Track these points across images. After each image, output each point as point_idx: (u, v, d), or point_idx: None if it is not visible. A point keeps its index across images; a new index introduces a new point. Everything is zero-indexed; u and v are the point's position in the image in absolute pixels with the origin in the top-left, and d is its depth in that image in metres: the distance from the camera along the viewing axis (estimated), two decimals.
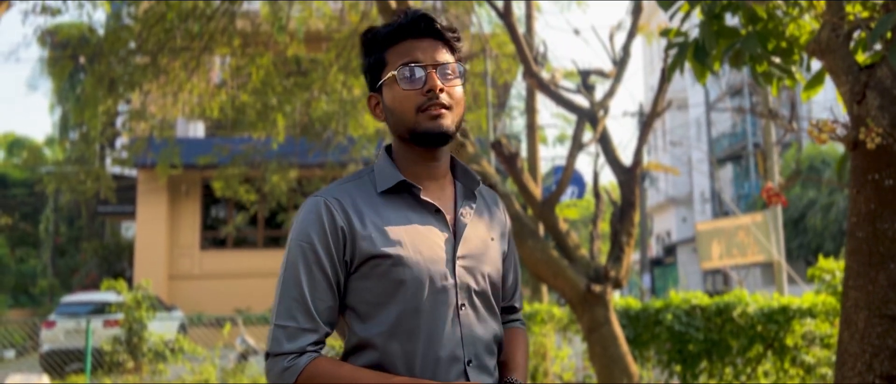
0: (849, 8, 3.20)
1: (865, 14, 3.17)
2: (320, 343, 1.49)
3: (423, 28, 1.55)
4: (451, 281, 1.51)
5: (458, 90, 1.57)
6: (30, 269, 21.69)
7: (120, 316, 10.82)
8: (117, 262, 19.93)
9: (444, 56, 1.56)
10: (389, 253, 1.48)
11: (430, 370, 1.47)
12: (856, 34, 3.09)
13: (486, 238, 1.62)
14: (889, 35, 2.80)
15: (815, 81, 3.49)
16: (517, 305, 1.77)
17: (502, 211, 1.73)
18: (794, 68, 3.53)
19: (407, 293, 1.48)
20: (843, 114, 3.29)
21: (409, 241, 1.51)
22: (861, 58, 3.10)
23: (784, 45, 3.21)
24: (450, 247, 1.54)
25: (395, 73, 1.53)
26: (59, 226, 21.98)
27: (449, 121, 1.53)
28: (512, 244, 1.75)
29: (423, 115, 1.52)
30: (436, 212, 1.57)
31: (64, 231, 22.05)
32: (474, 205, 1.63)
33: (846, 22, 2.89)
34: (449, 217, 1.58)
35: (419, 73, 1.52)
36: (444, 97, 1.52)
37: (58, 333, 11.82)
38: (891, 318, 2.65)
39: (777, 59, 3.24)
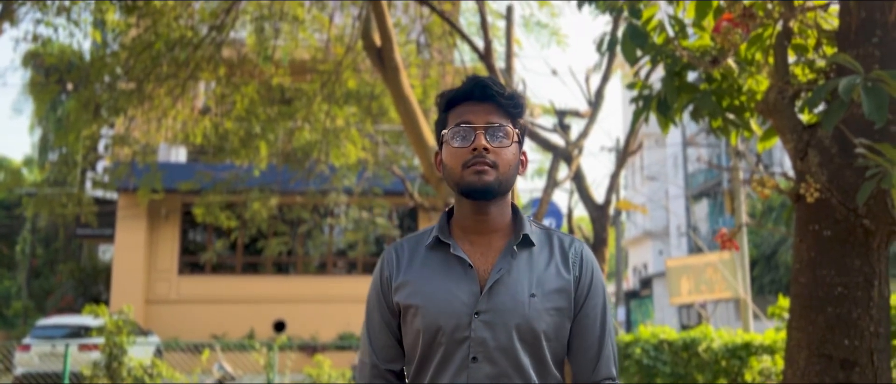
0: (797, 70, 3.49)
1: (812, 76, 3.46)
2: (381, 375, 1.72)
3: (481, 93, 1.66)
4: (465, 334, 1.59)
5: (508, 151, 1.64)
6: (4, 291, 21.46)
7: (97, 340, 10.82)
8: (93, 285, 19.78)
9: (497, 119, 1.65)
10: (411, 303, 1.65)
11: None
12: (802, 94, 3.37)
13: (521, 294, 1.61)
14: (829, 96, 3.08)
15: (770, 133, 3.77)
16: (596, 376, 1.68)
17: (580, 270, 1.68)
18: (752, 120, 3.82)
19: (422, 342, 1.63)
20: None
21: (430, 294, 1.63)
22: (807, 116, 3.38)
23: (737, 103, 3.47)
24: (473, 301, 1.61)
25: (449, 131, 1.67)
26: (36, 247, 21.82)
27: (492, 177, 1.61)
28: (592, 307, 1.68)
29: (468, 170, 1.62)
30: (468, 267, 1.64)
31: (40, 253, 21.88)
32: (513, 261, 1.65)
33: (791, 85, 3.17)
34: (484, 271, 1.64)
35: (469, 132, 1.64)
36: (489, 156, 1.62)
37: (32, 357, 11.76)
38: (828, 358, 2.89)
39: (731, 116, 3.51)
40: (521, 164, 1.72)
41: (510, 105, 1.67)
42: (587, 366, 1.67)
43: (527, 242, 1.67)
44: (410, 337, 1.66)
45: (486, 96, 1.66)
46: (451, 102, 1.69)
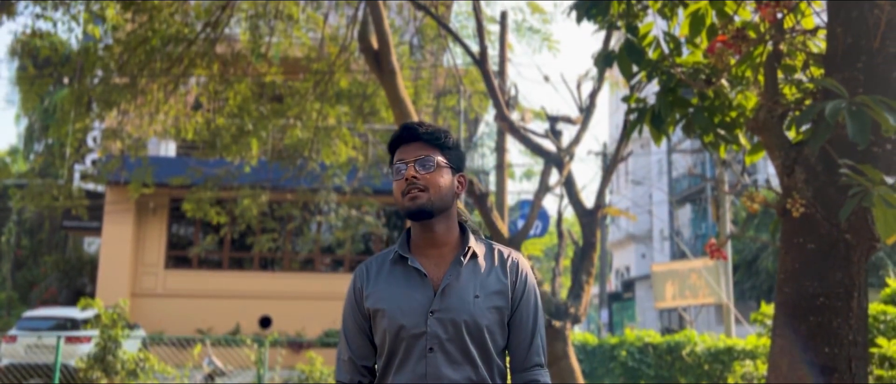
0: (785, 90, 3.66)
1: (799, 95, 3.63)
2: (358, 370, 2.05)
3: (409, 136, 2.02)
4: (423, 329, 1.92)
5: (437, 176, 1.97)
6: None
7: (85, 333, 10.84)
8: (78, 278, 19.70)
9: (424, 152, 1.99)
10: (378, 308, 1.99)
11: None
12: (790, 113, 3.53)
13: (467, 296, 1.95)
14: (816, 117, 3.24)
15: (758, 148, 3.94)
16: (527, 364, 1.99)
17: (516, 276, 2.01)
18: (741, 135, 3.98)
19: (389, 338, 1.96)
20: None
21: (393, 299, 1.97)
22: (794, 134, 3.55)
23: (728, 119, 3.64)
24: (428, 303, 1.94)
25: (391, 171, 2.04)
26: (21, 238, 21.68)
27: (424, 199, 1.95)
28: (525, 306, 2.01)
29: (406, 197, 1.96)
30: (423, 276, 1.98)
31: (25, 243, 21.74)
32: (461, 269, 1.98)
33: (780, 105, 3.33)
34: (437, 279, 1.98)
35: (402, 167, 1.99)
36: (420, 182, 1.95)
37: (18, 348, 11.74)
38: (809, 364, 3.06)
39: (722, 132, 3.67)
40: (460, 184, 2.05)
41: (433, 139, 2.01)
42: (521, 354, 1.99)
43: (472, 255, 2.01)
44: (379, 335, 1.99)
45: (413, 137, 2.02)
46: (392, 149, 2.06)
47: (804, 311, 3.11)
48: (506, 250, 2.07)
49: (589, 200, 7.58)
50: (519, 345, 1.99)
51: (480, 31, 7.49)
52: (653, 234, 31.81)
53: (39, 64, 10.34)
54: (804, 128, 3.33)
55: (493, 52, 10.88)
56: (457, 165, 2.05)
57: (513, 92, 8.84)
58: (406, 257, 2.00)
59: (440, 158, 2.00)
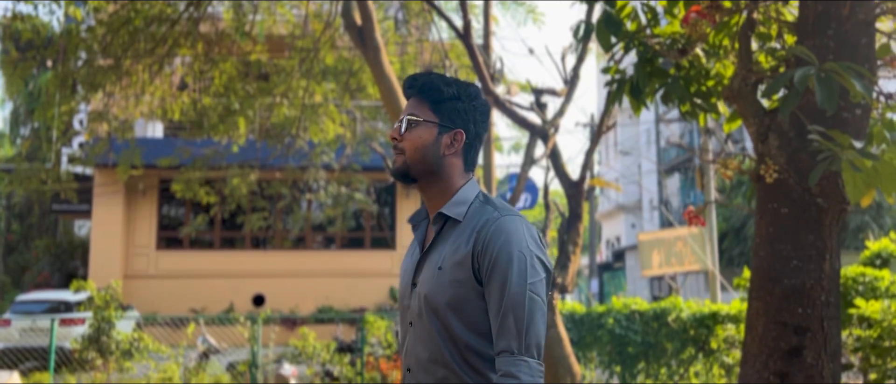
0: (761, 58, 3.72)
1: (773, 63, 3.70)
2: None
3: (406, 92, 1.85)
4: (407, 303, 1.83)
5: (414, 135, 1.77)
6: None
7: (78, 315, 10.91)
8: (70, 261, 19.71)
9: (411, 109, 1.80)
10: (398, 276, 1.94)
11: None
12: (765, 81, 3.60)
13: (433, 266, 1.76)
14: (788, 84, 3.31)
15: (735, 116, 4.01)
16: (495, 349, 1.67)
17: (483, 244, 1.69)
18: (719, 103, 4.05)
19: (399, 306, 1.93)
20: None
21: (402, 268, 1.91)
22: (768, 102, 3.62)
23: (704, 89, 3.70)
24: (413, 275, 1.84)
25: None
26: (11, 223, 21.62)
27: (400, 162, 1.79)
28: (495, 279, 1.68)
29: None
30: (416, 244, 1.86)
31: (15, 228, 21.69)
32: (439, 236, 1.79)
33: (754, 73, 3.40)
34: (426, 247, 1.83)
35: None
36: (400, 144, 1.80)
37: (13, 332, 11.81)
38: (783, 324, 3.16)
39: (699, 100, 3.74)
40: (454, 141, 1.78)
41: (423, 93, 1.80)
42: (494, 336, 1.68)
43: (451, 221, 1.77)
44: None
45: (408, 95, 1.85)
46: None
47: (778, 274, 3.20)
48: (496, 211, 1.74)
49: (577, 172, 7.65)
50: (493, 326, 1.67)
51: (464, 5, 7.50)
52: (642, 204, 32.02)
53: (22, 47, 10.25)
54: (777, 95, 3.40)
55: (477, 25, 10.87)
56: (450, 120, 1.78)
57: (498, 65, 8.86)
58: (413, 224, 1.90)
59: (421, 115, 1.78)
